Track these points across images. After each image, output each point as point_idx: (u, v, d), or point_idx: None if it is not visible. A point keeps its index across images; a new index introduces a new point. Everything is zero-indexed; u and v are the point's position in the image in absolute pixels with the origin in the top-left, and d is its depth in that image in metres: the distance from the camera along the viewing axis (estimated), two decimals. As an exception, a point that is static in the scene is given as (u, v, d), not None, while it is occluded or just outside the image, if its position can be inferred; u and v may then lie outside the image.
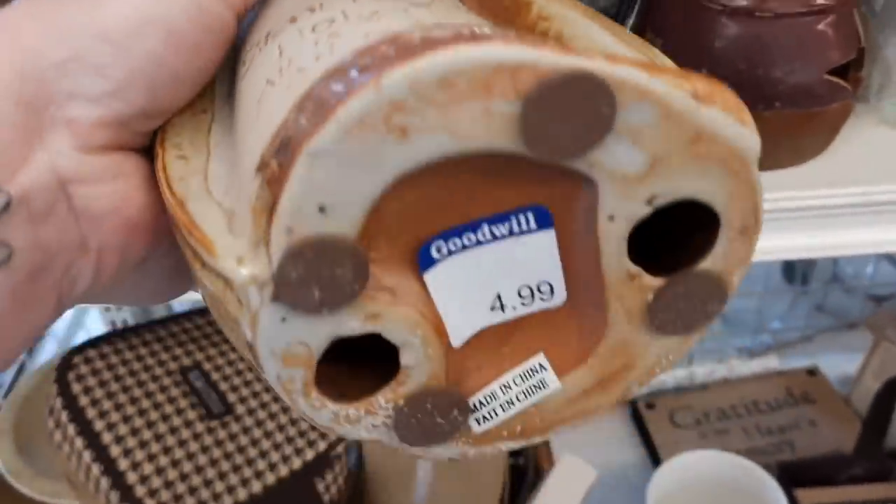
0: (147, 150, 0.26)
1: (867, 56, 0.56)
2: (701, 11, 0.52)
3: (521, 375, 0.24)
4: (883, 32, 0.56)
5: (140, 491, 0.59)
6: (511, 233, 0.22)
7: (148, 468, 0.61)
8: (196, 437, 0.64)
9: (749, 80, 0.51)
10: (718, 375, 1.17)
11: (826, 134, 0.55)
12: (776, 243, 0.55)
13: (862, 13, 0.54)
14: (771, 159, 0.55)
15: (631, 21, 0.57)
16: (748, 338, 1.21)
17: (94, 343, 0.69)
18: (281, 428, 0.67)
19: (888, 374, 1.08)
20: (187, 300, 0.55)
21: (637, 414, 1.11)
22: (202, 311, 0.75)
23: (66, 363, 0.65)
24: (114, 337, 0.70)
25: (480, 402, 0.24)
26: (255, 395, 0.69)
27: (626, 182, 0.21)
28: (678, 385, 1.16)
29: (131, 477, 0.60)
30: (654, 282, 0.23)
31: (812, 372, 1.16)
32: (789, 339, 1.24)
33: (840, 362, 1.19)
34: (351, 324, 0.21)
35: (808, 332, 1.25)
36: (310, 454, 0.65)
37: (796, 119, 0.52)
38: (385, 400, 0.22)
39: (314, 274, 0.19)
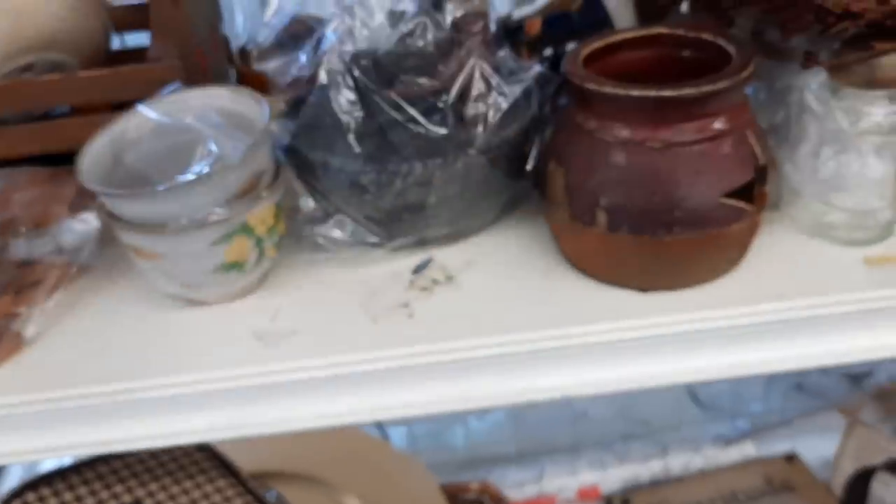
0: None
1: (772, 168, 0.56)
2: (596, 143, 0.53)
3: None
4: (783, 146, 0.57)
5: None
6: None
7: None
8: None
9: (646, 206, 0.52)
10: (695, 466, 1.15)
11: (734, 252, 0.55)
12: (688, 364, 0.55)
13: (760, 130, 0.55)
14: (678, 280, 0.55)
15: (535, 151, 0.58)
16: (725, 424, 1.20)
17: (47, 479, 0.69)
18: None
19: (866, 459, 1.06)
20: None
21: (612, 511, 1.08)
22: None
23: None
24: (66, 472, 0.70)
25: None
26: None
27: None
28: (653, 478, 1.14)
29: None
30: None
31: (791, 458, 1.14)
32: (767, 423, 1.22)
33: (820, 445, 1.16)
34: None
35: (787, 413, 1.23)
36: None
37: (698, 242, 0.52)
38: None
39: None
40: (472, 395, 0.54)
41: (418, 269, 0.60)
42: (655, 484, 1.14)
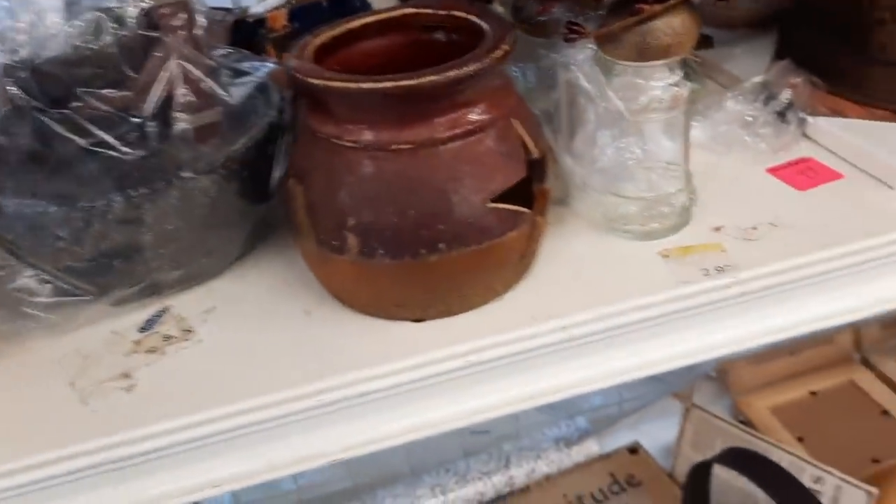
0: None
1: (552, 161, 0.49)
2: (335, 151, 0.43)
3: None
4: (560, 134, 0.49)
5: None
6: None
7: None
8: None
9: (402, 223, 0.42)
10: (539, 473, 1.09)
11: (516, 263, 0.47)
12: (479, 401, 0.46)
13: (531, 117, 0.47)
14: (456, 304, 0.46)
15: (280, 172, 0.48)
16: (566, 425, 1.14)
17: None
18: None
19: (704, 444, 1.03)
20: None
21: (457, 538, 1.00)
22: None
23: None
24: None
25: None
26: None
27: None
28: (498, 493, 1.07)
29: None
30: None
31: (634, 450, 1.10)
32: (609, 416, 1.18)
33: (662, 432, 1.13)
34: None
35: (628, 403, 1.20)
36: None
37: (469, 258, 0.44)
38: None
39: None
40: (213, 478, 0.43)
41: (147, 326, 0.48)
42: (501, 498, 1.07)
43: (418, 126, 0.42)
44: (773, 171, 0.56)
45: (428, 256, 0.43)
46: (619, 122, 0.46)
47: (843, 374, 1.14)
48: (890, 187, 0.53)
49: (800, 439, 1.06)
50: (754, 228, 0.51)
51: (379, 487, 1.09)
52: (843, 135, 0.57)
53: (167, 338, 0.47)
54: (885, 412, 1.09)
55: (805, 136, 0.59)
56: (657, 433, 1.13)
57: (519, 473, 1.08)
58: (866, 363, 1.16)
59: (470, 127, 0.43)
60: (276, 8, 0.61)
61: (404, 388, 0.45)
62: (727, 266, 0.48)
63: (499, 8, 0.58)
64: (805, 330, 0.49)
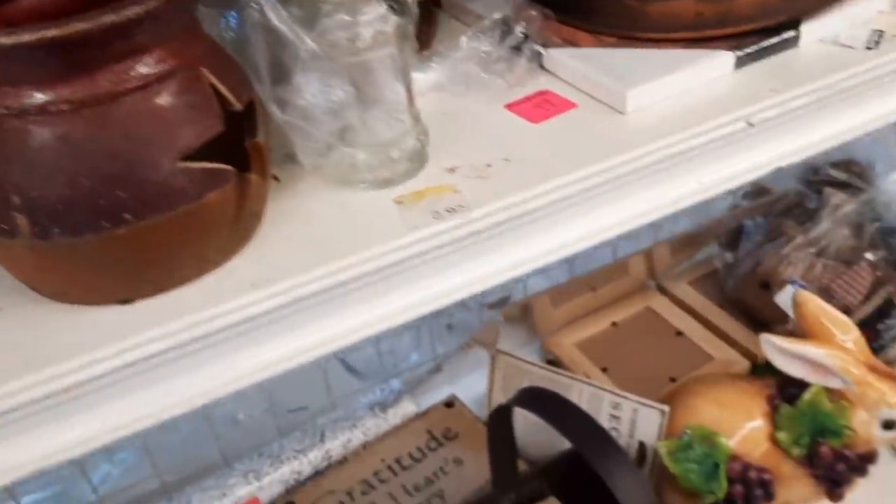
0: None
1: (263, 113, 0.45)
2: (-15, 120, 0.37)
3: None
4: (263, 83, 0.45)
5: None
6: None
7: None
8: None
9: (75, 195, 0.37)
10: (356, 442, 1.06)
11: (229, 226, 0.43)
12: (205, 385, 0.42)
13: (231, 65, 0.43)
14: (166, 279, 0.42)
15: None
16: (378, 390, 1.12)
17: None
18: None
19: (513, 388, 1.03)
20: None
21: (275, 521, 0.96)
22: None
23: None
24: None
25: None
26: None
27: None
28: (316, 469, 1.04)
29: None
30: None
31: (450, 404, 1.10)
32: (424, 373, 1.17)
33: (477, 381, 1.14)
34: None
35: (440, 358, 1.19)
36: None
37: (164, 226, 0.39)
38: None
39: None
40: None
41: None
42: (318, 473, 1.04)
43: (78, 82, 0.37)
44: (511, 106, 0.55)
45: (113, 230, 0.38)
46: (322, 67, 0.43)
47: (641, 302, 1.19)
48: (619, 112, 0.53)
49: (604, 370, 1.09)
50: (489, 166, 0.49)
51: (188, 483, 1.03)
52: (574, 64, 0.56)
53: None
54: (680, 333, 1.15)
55: (542, 68, 0.58)
56: (473, 384, 1.13)
57: (335, 446, 1.06)
58: (661, 289, 1.21)
59: (144, 80, 0.38)
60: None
61: (111, 377, 0.40)
62: (459, 206, 0.46)
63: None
64: (542, 263, 0.48)
